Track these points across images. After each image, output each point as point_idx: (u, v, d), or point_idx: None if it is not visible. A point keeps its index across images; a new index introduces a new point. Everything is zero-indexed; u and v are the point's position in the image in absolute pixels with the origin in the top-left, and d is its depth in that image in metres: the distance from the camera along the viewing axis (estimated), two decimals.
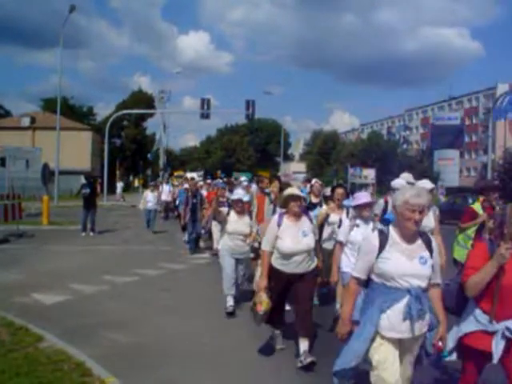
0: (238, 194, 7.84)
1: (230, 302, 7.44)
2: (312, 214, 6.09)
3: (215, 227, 11.35)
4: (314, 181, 9.74)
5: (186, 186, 16.61)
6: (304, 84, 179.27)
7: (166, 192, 23.15)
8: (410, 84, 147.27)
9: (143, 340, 6.22)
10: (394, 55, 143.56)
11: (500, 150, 53.22)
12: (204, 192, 15.40)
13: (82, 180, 18.63)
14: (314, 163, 78.39)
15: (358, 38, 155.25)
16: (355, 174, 51.31)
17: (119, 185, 42.35)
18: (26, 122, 51.40)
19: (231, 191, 11.30)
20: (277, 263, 5.45)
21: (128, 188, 57.83)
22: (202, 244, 14.27)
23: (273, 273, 5.43)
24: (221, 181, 17.90)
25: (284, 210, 5.62)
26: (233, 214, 7.71)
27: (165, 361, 5.52)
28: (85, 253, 13.13)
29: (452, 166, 56.42)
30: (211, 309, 7.81)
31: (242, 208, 7.66)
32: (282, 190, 6.92)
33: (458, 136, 61.76)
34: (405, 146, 76.01)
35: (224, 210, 8.31)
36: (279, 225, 5.47)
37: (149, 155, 57.53)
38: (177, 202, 20.27)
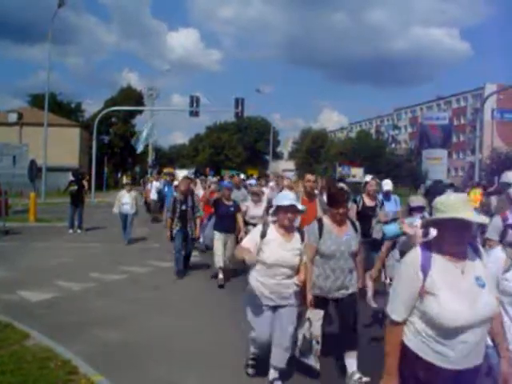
0: (287, 196, 4.89)
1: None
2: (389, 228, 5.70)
3: (219, 241, 9.36)
4: (368, 178, 8.21)
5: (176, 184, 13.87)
6: (293, 82, 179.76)
7: (156, 190, 21.25)
8: (399, 83, 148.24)
9: (131, 338, 6.20)
10: (384, 54, 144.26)
11: (487, 150, 53.69)
12: (200, 192, 13.69)
13: (70, 177, 18.32)
14: (303, 161, 78.46)
15: (348, 37, 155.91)
16: (343, 172, 51.45)
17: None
18: (13, 117, 50.86)
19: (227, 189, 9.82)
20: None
21: (116, 185, 57.57)
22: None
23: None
24: (228, 179, 14.49)
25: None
26: (273, 231, 4.86)
27: (152, 359, 5.50)
28: (72, 250, 13.04)
29: (440, 166, 56.65)
30: (200, 307, 7.80)
31: (291, 222, 4.83)
32: (330, 189, 5.74)
33: (446, 136, 62.06)
34: (393, 145, 76.32)
35: (254, 232, 5.00)
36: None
37: (135, 145, 55.12)
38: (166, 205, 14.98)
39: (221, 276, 9.23)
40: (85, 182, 19.80)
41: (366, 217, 7.50)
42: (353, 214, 7.27)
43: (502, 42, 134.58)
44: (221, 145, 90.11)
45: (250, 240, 4.88)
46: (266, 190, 12.58)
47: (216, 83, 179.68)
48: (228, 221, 9.42)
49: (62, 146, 44.07)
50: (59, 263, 11.08)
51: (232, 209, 9.49)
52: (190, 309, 7.75)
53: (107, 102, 66.51)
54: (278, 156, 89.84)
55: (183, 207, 10.02)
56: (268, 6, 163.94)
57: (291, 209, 4.72)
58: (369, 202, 7.88)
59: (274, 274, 4.71)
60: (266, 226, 4.90)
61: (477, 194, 11.46)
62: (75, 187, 17.01)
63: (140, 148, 49.83)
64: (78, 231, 16.76)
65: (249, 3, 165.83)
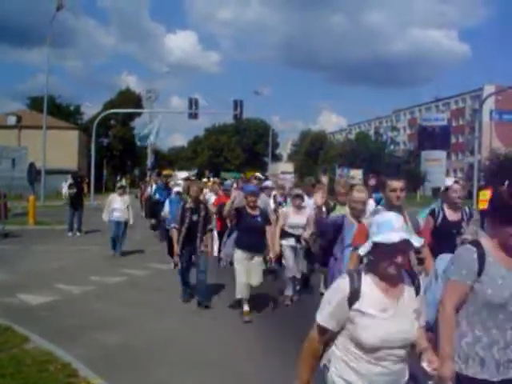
0: (391, 224, 2.54)
1: None
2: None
3: (241, 264, 7.29)
4: (450, 181, 6.00)
5: (178, 189, 11.85)
6: (292, 84, 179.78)
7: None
8: (398, 85, 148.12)
9: (131, 341, 6.19)
10: (383, 56, 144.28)
11: (486, 151, 53.76)
12: (211, 197, 12.08)
13: (69, 179, 18.28)
14: (302, 163, 78.49)
15: (347, 38, 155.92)
16: (342, 174, 51.46)
17: (65, 185, 30.28)
18: (12, 120, 50.94)
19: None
20: None
21: (113, 187, 57.52)
22: None
23: None
24: (255, 182, 11.25)
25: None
26: (370, 287, 2.58)
27: (153, 362, 5.50)
28: (72, 253, 13.03)
29: (439, 167, 56.76)
30: (200, 310, 7.79)
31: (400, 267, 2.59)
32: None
33: (444, 137, 62.18)
34: (392, 147, 76.40)
35: (333, 296, 2.65)
36: None
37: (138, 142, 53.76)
38: (165, 213, 11.56)
39: (246, 308, 7.21)
40: (84, 186, 19.75)
41: (446, 235, 5.59)
42: (427, 232, 5.31)
43: (501, 44, 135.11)
44: (220, 147, 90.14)
45: (327, 317, 2.57)
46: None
47: (215, 85, 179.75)
48: (254, 236, 7.32)
49: (60, 149, 44.04)
50: (59, 266, 11.07)
51: (259, 219, 7.47)
52: (190, 311, 7.74)
53: (106, 104, 66.58)
54: (277, 158, 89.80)
55: (194, 217, 7.94)
56: (266, 7, 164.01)
57: (403, 246, 2.50)
58: (451, 215, 5.87)
59: (378, 358, 2.53)
60: (354, 276, 2.60)
61: (486, 195, 11.37)
62: (74, 190, 17.01)
63: (150, 140, 48.13)
64: (78, 234, 16.76)
65: (247, 5, 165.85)
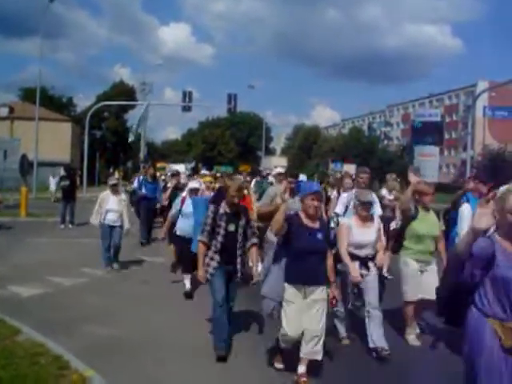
0: None
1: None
2: None
3: (293, 306, 4.91)
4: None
5: (196, 185, 8.83)
6: (285, 78, 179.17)
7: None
8: (392, 80, 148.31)
9: (122, 333, 6.19)
10: (376, 51, 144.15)
11: (479, 147, 53.95)
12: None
13: (62, 172, 18.18)
14: (296, 158, 78.55)
15: (341, 33, 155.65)
16: (335, 169, 51.53)
17: (53, 180, 28.18)
18: (4, 111, 50.61)
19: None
20: None
21: (106, 180, 57.40)
22: None
23: None
24: (303, 176, 9.73)
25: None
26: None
27: (144, 354, 5.50)
28: (63, 245, 13.00)
29: (432, 163, 56.87)
30: (192, 301, 7.80)
31: None
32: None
33: (437, 133, 62.31)
34: (385, 142, 76.63)
35: None
36: None
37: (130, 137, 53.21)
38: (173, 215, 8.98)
39: (302, 369, 4.87)
40: (76, 178, 19.64)
41: None
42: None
43: (495, 39, 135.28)
44: (213, 140, 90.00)
45: None
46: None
47: (208, 78, 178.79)
48: (315, 261, 4.95)
49: (53, 141, 43.94)
50: (51, 258, 11.03)
51: (321, 237, 5.03)
52: (182, 303, 7.74)
53: (99, 96, 66.28)
54: (270, 152, 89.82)
55: (230, 227, 5.69)
56: (260, 1, 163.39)
57: None
58: None
59: None
60: None
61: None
62: (67, 182, 16.94)
63: (133, 129, 47.67)
64: (70, 226, 16.70)
65: None
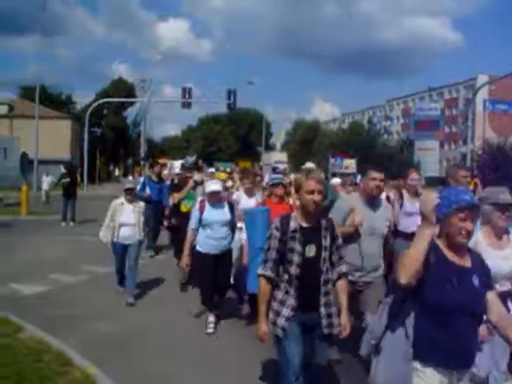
0: None
1: None
2: None
3: None
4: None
5: (217, 188, 6.33)
6: (285, 73, 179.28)
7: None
8: (392, 74, 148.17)
9: (125, 330, 6.21)
10: (376, 45, 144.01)
11: (479, 141, 53.88)
12: (247, 202, 7.31)
13: (62, 169, 18.16)
14: (296, 153, 78.47)
15: (340, 27, 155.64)
16: (336, 164, 51.45)
17: (46, 179, 26.10)
18: (3, 109, 50.51)
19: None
20: None
21: (108, 177, 57.53)
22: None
23: None
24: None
25: None
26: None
27: (146, 351, 5.52)
28: (65, 243, 13.00)
29: (432, 157, 56.82)
30: (194, 299, 7.81)
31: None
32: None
33: (437, 127, 62.28)
34: (385, 136, 76.52)
35: None
36: None
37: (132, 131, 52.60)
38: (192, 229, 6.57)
39: None
40: (77, 176, 19.61)
41: None
42: None
43: (495, 33, 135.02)
44: (213, 136, 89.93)
45: None
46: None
47: (208, 74, 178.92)
48: (468, 327, 2.80)
49: (53, 139, 43.84)
50: (52, 256, 11.05)
51: (478, 283, 2.83)
52: (184, 300, 7.75)
53: (99, 93, 66.12)
54: (270, 147, 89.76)
55: (310, 252, 3.61)
56: None
57: None
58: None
59: None
60: None
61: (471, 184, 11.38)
62: (68, 179, 16.94)
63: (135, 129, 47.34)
64: (71, 224, 16.70)
65: None
